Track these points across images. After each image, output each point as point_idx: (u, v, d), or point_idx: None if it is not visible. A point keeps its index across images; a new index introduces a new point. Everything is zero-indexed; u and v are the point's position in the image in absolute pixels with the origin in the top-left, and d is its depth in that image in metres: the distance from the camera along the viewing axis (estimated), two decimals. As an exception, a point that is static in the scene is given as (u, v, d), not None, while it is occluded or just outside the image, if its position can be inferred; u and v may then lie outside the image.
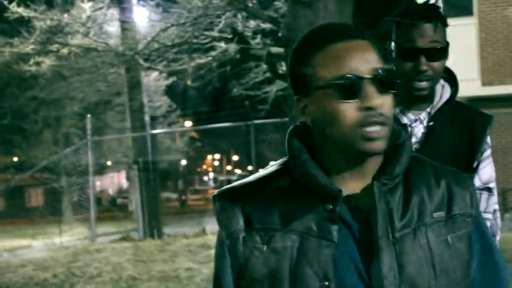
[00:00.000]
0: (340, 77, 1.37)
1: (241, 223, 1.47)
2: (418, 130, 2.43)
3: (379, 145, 1.37)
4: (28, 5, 14.50)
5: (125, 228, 17.58)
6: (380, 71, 1.38)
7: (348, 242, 1.41)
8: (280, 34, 11.83)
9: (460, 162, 2.38)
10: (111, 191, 43.71)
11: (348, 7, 7.90)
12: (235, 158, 66.19)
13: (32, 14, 14.48)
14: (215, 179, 63.99)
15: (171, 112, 28.28)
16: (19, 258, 12.87)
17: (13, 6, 14.15)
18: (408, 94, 2.40)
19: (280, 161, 1.55)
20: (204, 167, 66.66)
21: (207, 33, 14.47)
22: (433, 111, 2.44)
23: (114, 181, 42.67)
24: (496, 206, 2.52)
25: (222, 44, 14.69)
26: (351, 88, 1.36)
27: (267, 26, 13.88)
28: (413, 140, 2.41)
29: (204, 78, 16.59)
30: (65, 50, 15.31)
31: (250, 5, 12.42)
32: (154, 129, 20.55)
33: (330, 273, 1.38)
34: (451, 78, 2.58)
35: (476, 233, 1.50)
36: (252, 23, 14.24)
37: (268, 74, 15.90)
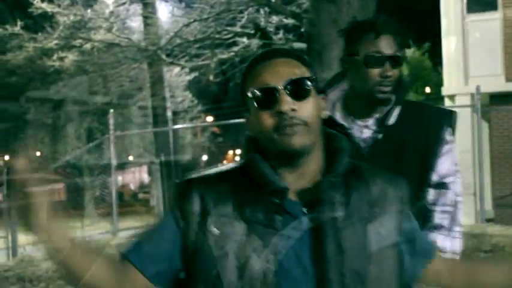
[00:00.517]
0: (257, 89, 1.65)
1: (198, 208, 1.67)
2: (367, 136, 2.63)
3: (297, 141, 1.61)
4: (52, 0, 14.58)
5: (147, 223, 17.61)
6: (292, 83, 1.63)
7: (293, 232, 1.63)
8: (302, 29, 11.80)
9: (413, 160, 2.60)
10: (132, 186, 43.88)
11: (371, 2, 7.84)
12: (256, 153, 66.41)
13: (55, 9, 14.56)
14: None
15: (193, 107, 28.32)
16: (42, 251, 12.95)
17: (37, 2, 14.25)
18: (365, 101, 2.61)
19: (239, 160, 1.80)
20: (225, 162, 66.84)
21: (229, 28, 14.47)
22: (379, 117, 2.63)
23: (135, 176, 42.84)
24: (458, 198, 2.68)
25: (245, 40, 14.69)
26: (265, 98, 1.63)
27: (289, 21, 13.85)
28: (363, 145, 2.62)
29: (226, 74, 16.61)
30: (88, 45, 15.39)
31: (272, 0, 12.39)
32: (176, 124, 20.62)
33: (272, 257, 1.60)
34: (397, 85, 2.69)
35: (408, 227, 1.76)
36: (275, 19, 14.22)
37: (290, 70, 15.84)
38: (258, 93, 1.65)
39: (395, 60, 2.58)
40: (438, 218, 2.66)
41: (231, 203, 1.66)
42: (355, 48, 2.61)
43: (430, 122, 2.65)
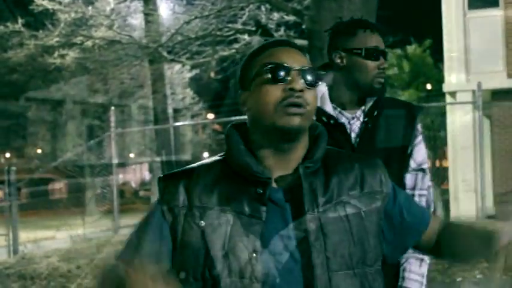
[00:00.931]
0: (272, 63, 1.70)
1: (183, 201, 1.73)
2: (356, 126, 2.80)
3: (296, 121, 1.66)
4: (52, -3, 14.57)
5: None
6: (307, 69, 1.71)
7: (277, 220, 1.68)
8: (304, 26, 11.79)
9: (395, 150, 2.79)
10: (133, 183, 43.89)
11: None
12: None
13: (56, 6, 14.55)
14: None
15: (194, 104, 28.32)
16: (43, 249, 12.93)
17: (38, -1, 14.24)
18: (359, 92, 2.80)
19: (220, 154, 1.83)
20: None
21: (230, 25, 14.46)
22: (366, 109, 2.81)
23: (136, 173, 42.84)
24: (430, 183, 2.91)
25: (246, 37, 14.69)
26: (280, 73, 1.68)
27: (290, 18, 13.84)
28: (353, 135, 2.78)
29: (227, 71, 16.60)
30: (89, 43, 15.38)
31: (274, -3, 12.38)
32: (177, 121, 20.60)
33: (258, 245, 1.65)
34: None
35: (391, 203, 1.82)
36: (276, 15, 14.21)
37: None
38: (274, 67, 1.69)
39: (386, 54, 2.83)
40: (416, 201, 2.73)
41: (216, 194, 1.71)
42: (351, 43, 2.79)
43: (407, 116, 2.85)
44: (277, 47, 1.76)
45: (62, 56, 15.57)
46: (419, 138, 2.90)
